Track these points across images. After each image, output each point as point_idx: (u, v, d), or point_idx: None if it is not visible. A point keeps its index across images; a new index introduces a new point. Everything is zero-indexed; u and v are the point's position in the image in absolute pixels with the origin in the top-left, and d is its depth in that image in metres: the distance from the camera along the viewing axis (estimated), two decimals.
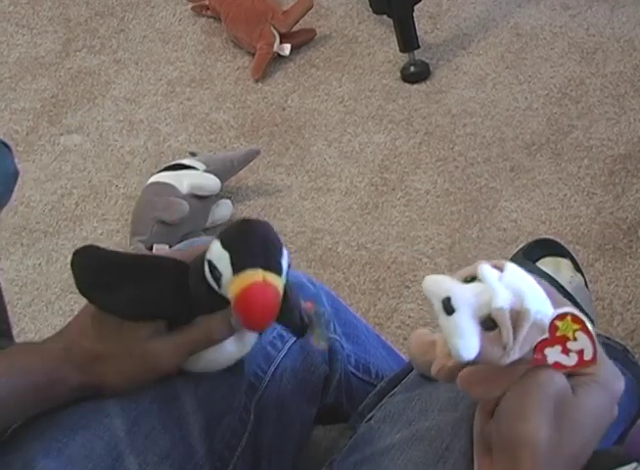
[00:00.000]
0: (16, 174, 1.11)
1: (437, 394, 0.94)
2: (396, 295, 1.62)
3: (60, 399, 0.91)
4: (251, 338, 0.94)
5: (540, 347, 0.76)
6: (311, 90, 2.01)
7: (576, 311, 0.76)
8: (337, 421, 1.19)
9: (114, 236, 1.79)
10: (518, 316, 0.74)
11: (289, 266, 0.88)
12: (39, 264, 1.77)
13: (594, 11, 2.06)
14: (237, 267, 0.85)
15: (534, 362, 0.76)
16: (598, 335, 1.33)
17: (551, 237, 1.52)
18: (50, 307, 1.70)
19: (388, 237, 1.71)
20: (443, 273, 1.64)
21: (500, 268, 0.77)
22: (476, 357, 0.73)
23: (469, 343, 0.73)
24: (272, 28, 2.06)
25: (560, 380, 0.76)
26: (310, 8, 2.09)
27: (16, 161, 1.11)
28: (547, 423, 0.75)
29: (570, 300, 1.36)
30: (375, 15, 2.05)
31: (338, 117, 1.95)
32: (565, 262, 1.44)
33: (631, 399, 1.24)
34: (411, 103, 1.94)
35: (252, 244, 0.86)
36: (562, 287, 1.38)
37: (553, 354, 0.76)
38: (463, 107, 1.91)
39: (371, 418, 0.97)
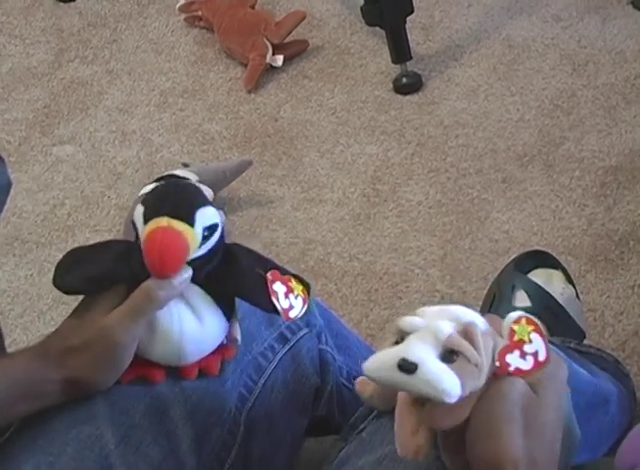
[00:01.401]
0: (8, 186, 1.11)
1: None
2: (389, 306, 1.62)
3: (46, 396, 0.90)
4: (208, 313, 0.94)
5: (502, 354, 0.76)
6: (304, 101, 2.02)
7: (527, 314, 0.77)
8: (328, 433, 1.19)
9: None
10: (466, 334, 0.75)
11: (223, 230, 0.91)
12: (31, 275, 1.77)
13: (585, 23, 2.07)
14: (146, 219, 0.87)
15: (499, 371, 0.76)
16: (590, 346, 1.35)
17: (543, 248, 1.52)
18: (42, 318, 1.69)
19: (380, 248, 1.71)
20: (435, 284, 1.66)
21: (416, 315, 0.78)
22: (462, 393, 0.73)
23: (450, 381, 0.72)
24: (265, 39, 2.06)
25: (521, 385, 0.76)
26: (303, 19, 2.10)
27: (9, 171, 1.11)
28: (520, 433, 0.74)
29: (561, 312, 1.37)
30: (367, 26, 2.05)
31: (330, 127, 1.95)
32: (556, 274, 1.45)
33: (622, 410, 1.25)
34: (403, 114, 1.95)
35: (163, 196, 0.88)
36: (553, 299, 1.39)
37: (513, 360, 0.76)
38: (455, 118, 1.92)
39: (362, 430, 0.97)
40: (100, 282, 0.92)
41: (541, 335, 0.76)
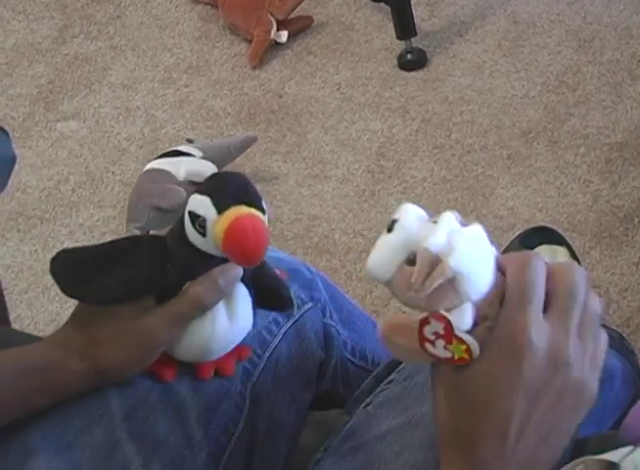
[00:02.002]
0: (13, 159, 1.11)
1: None
2: None
3: (63, 386, 0.90)
4: (242, 312, 0.92)
5: (436, 316, 0.73)
6: (308, 77, 2.01)
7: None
8: (333, 407, 1.19)
9: (111, 223, 1.79)
10: (437, 269, 0.71)
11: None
12: (35, 251, 1.77)
13: None
14: (220, 207, 0.84)
15: (423, 317, 0.73)
16: None
17: (547, 225, 1.52)
18: (46, 294, 1.70)
19: (384, 224, 1.70)
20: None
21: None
22: (386, 281, 0.73)
23: (385, 263, 0.73)
24: (269, 15, 2.06)
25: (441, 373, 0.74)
26: None
27: (13, 146, 1.11)
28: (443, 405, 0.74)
29: None
30: (372, 2, 2.05)
31: (335, 104, 1.94)
32: (561, 250, 1.45)
33: (627, 386, 1.25)
34: (408, 90, 1.94)
35: (231, 185, 0.86)
36: None
37: (434, 327, 0.73)
38: (460, 94, 1.91)
39: (368, 404, 0.97)
40: (136, 291, 0.88)
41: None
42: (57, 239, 1.78)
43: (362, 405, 0.97)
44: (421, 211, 0.75)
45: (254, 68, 2.05)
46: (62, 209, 1.84)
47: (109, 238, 1.76)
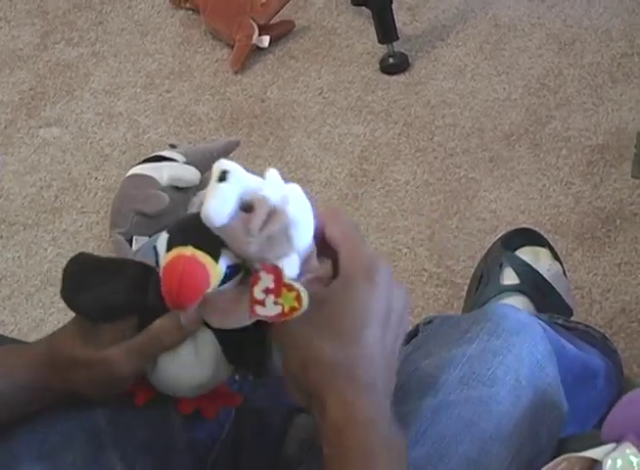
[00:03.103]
0: None
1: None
2: None
3: (46, 401, 0.90)
4: (208, 356, 0.89)
5: (266, 267, 0.79)
6: (290, 82, 2.01)
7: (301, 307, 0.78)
8: None
9: (94, 228, 1.79)
10: (274, 216, 0.78)
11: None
12: (18, 257, 1.77)
13: (571, 2, 2.06)
14: (170, 246, 0.84)
15: (261, 266, 0.79)
16: (578, 323, 1.35)
17: (530, 227, 1.52)
18: (30, 300, 1.69)
19: (367, 228, 1.71)
20: (423, 263, 1.66)
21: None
22: (221, 226, 0.77)
23: (222, 208, 0.77)
24: (251, 20, 2.06)
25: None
26: (289, 0, 2.09)
27: None
28: (320, 344, 0.79)
29: (549, 288, 1.38)
30: (353, 6, 2.05)
31: (317, 108, 1.95)
32: (543, 252, 1.45)
33: (611, 385, 1.26)
34: (390, 94, 1.95)
35: (190, 226, 0.84)
36: (541, 276, 1.39)
37: (264, 279, 0.79)
38: (442, 98, 1.92)
39: None
40: (113, 312, 0.88)
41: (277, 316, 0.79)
42: (40, 245, 1.78)
43: None
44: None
45: (237, 73, 2.05)
46: (45, 215, 1.83)
47: (92, 244, 1.76)
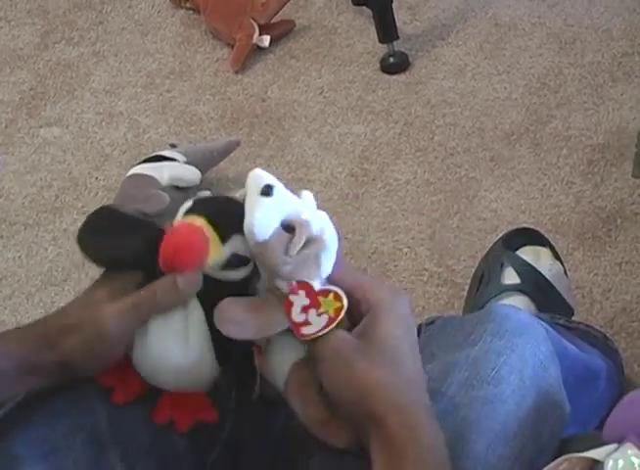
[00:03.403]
0: None
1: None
2: None
3: (42, 375, 0.89)
4: (196, 341, 0.88)
5: (298, 285, 0.81)
6: (291, 81, 2.01)
7: (341, 305, 0.82)
8: None
9: None
10: (313, 241, 0.80)
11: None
12: (19, 257, 1.77)
13: (572, 1, 2.06)
14: (187, 213, 0.85)
15: (289, 288, 0.81)
16: (579, 323, 1.35)
17: (530, 226, 1.52)
18: (30, 300, 1.69)
19: (368, 227, 1.71)
20: (424, 263, 1.66)
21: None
22: (262, 241, 0.79)
23: (268, 224, 0.79)
24: (251, 20, 2.06)
25: (336, 336, 0.82)
26: None
27: None
28: (368, 367, 0.81)
29: (550, 288, 1.38)
30: (354, 6, 2.05)
31: (317, 108, 1.95)
32: (544, 251, 1.45)
33: (612, 385, 1.26)
34: (390, 94, 1.94)
35: (215, 202, 0.86)
36: (542, 275, 1.39)
37: (297, 298, 0.81)
38: (442, 97, 1.92)
39: None
40: (119, 262, 0.88)
41: (324, 324, 0.82)
42: (40, 245, 1.78)
43: None
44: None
45: (237, 72, 2.05)
46: (45, 214, 1.83)
47: None
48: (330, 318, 0.81)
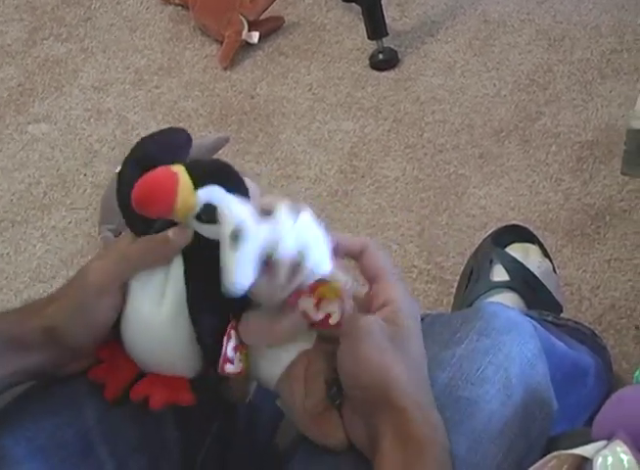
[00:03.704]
0: None
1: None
2: (367, 281, 1.61)
3: (30, 348, 0.88)
4: (172, 297, 0.87)
5: (297, 294, 0.83)
6: (280, 78, 2.01)
7: (342, 284, 0.85)
8: None
9: (83, 225, 1.79)
10: (296, 268, 0.81)
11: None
12: (7, 254, 1.76)
13: None
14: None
15: (288, 302, 0.83)
16: (567, 320, 1.35)
17: (519, 223, 1.52)
18: (19, 297, 1.69)
19: (357, 224, 1.71)
20: (413, 260, 1.66)
21: (295, 213, 0.83)
22: (248, 289, 0.80)
23: (244, 275, 0.79)
24: (240, 16, 2.06)
25: (377, 320, 0.84)
26: None
27: None
28: (396, 359, 0.83)
29: (539, 285, 1.38)
30: (343, 2, 2.05)
31: (306, 104, 1.94)
32: (533, 248, 1.45)
33: (600, 382, 1.26)
34: (380, 90, 1.94)
35: (204, 162, 0.88)
36: (531, 272, 1.39)
37: (305, 303, 0.84)
38: (431, 94, 1.92)
39: None
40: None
41: (341, 306, 0.85)
42: (29, 242, 1.77)
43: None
44: (245, 208, 0.82)
45: (226, 69, 2.04)
46: (33, 211, 1.83)
47: (81, 240, 1.76)
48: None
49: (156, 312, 0.87)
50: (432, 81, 1.94)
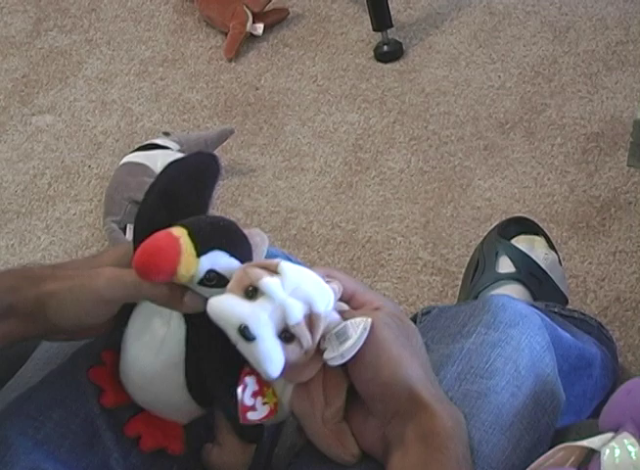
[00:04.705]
0: None
1: None
2: (371, 274, 1.62)
3: (11, 319, 0.87)
4: (170, 345, 0.87)
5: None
6: (284, 70, 2.01)
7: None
8: None
9: (87, 216, 1.78)
10: (312, 321, 0.80)
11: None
12: (12, 245, 1.76)
13: None
14: (173, 224, 0.84)
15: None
16: (573, 311, 1.35)
17: (525, 215, 1.52)
18: None
19: (362, 216, 1.71)
20: (418, 252, 1.66)
21: (274, 271, 0.81)
22: (283, 370, 0.80)
23: (276, 363, 0.79)
24: (245, 8, 2.05)
25: (388, 314, 0.84)
26: None
27: None
28: (409, 353, 0.83)
29: (544, 277, 1.38)
30: None
31: (311, 96, 1.94)
32: (539, 240, 1.45)
33: (606, 374, 1.26)
34: (384, 82, 1.94)
35: (206, 219, 0.85)
36: (537, 264, 1.39)
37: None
38: (436, 86, 1.91)
39: None
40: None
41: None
42: (33, 233, 1.77)
43: None
44: (233, 299, 0.80)
45: (230, 60, 2.04)
46: (38, 203, 1.83)
47: (85, 232, 1.76)
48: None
49: (152, 361, 0.87)
50: (436, 73, 1.94)
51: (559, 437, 0.92)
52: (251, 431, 0.89)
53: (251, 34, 2.06)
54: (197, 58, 2.07)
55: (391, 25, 1.96)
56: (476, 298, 1.37)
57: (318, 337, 0.81)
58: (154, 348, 0.87)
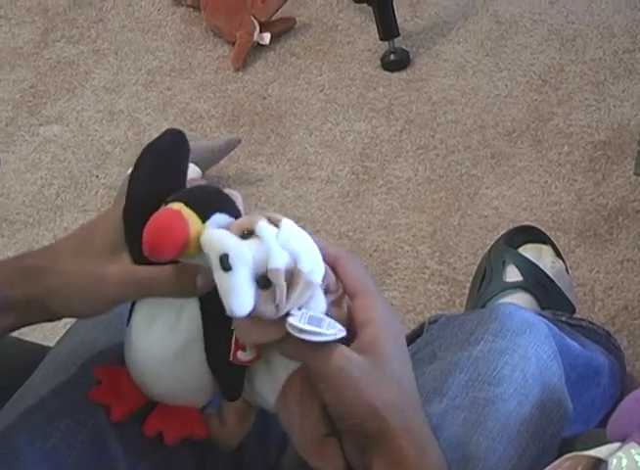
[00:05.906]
0: None
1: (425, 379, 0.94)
2: (379, 283, 1.62)
3: (5, 312, 0.86)
4: (188, 323, 0.86)
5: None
6: (292, 79, 2.01)
7: None
8: None
9: None
10: (292, 277, 0.78)
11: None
12: None
13: None
14: (167, 202, 0.83)
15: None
16: (581, 319, 1.35)
17: (532, 224, 1.52)
18: None
19: (369, 225, 1.71)
20: (425, 261, 1.66)
21: (276, 224, 0.80)
22: (249, 313, 0.77)
23: (244, 300, 0.77)
24: (252, 17, 2.06)
25: (346, 357, 0.80)
26: None
27: None
28: (371, 388, 0.79)
29: (552, 286, 1.38)
30: (355, 3, 2.05)
31: (318, 105, 1.94)
32: (546, 249, 1.45)
33: (614, 382, 1.25)
34: (391, 91, 1.94)
35: (193, 189, 0.85)
36: (544, 273, 1.39)
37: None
38: (443, 94, 1.92)
39: None
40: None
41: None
42: (41, 243, 1.77)
43: None
44: (226, 233, 0.79)
45: (238, 70, 2.04)
46: (46, 213, 1.83)
47: None
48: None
49: (170, 342, 0.86)
50: (443, 82, 1.94)
51: (566, 446, 0.92)
52: (229, 387, 0.89)
53: (259, 44, 2.07)
54: (204, 67, 2.07)
55: (398, 34, 1.96)
56: (483, 306, 1.37)
57: (293, 296, 0.78)
58: (169, 331, 0.86)
